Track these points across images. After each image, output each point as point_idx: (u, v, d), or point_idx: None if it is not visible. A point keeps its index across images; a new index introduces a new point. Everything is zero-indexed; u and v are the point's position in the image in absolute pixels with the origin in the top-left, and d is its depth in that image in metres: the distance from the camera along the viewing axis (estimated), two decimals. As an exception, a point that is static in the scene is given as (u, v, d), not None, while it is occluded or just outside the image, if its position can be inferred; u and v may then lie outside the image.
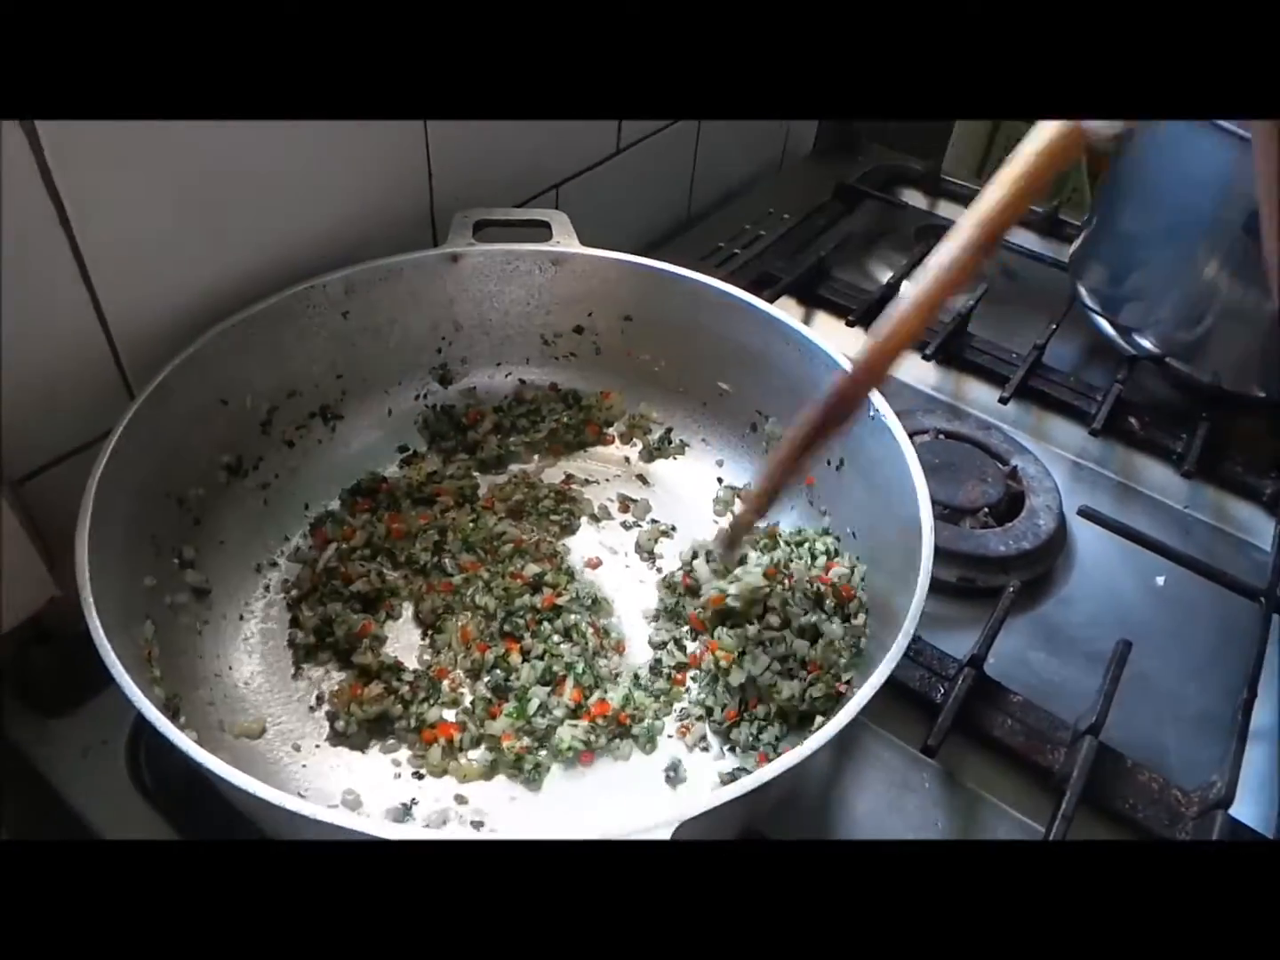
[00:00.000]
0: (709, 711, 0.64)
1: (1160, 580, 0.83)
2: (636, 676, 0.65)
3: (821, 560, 0.69)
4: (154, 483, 0.61)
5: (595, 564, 0.73)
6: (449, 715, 0.62)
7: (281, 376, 0.71)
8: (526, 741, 0.60)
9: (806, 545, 0.70)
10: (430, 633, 0.67)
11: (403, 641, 0.67)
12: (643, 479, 0.81)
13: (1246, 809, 0.65)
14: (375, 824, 0.42)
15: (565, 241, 0.77)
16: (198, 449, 0.65)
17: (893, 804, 0.65)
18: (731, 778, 0.61)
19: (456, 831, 0.39)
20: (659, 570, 0.73)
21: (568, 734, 0.60)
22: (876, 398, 0.65)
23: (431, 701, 0.62)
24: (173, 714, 0.54)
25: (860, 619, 0.65)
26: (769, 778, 0.43)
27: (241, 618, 0.66)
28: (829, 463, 0.71)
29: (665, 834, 0.40)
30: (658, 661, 0.67)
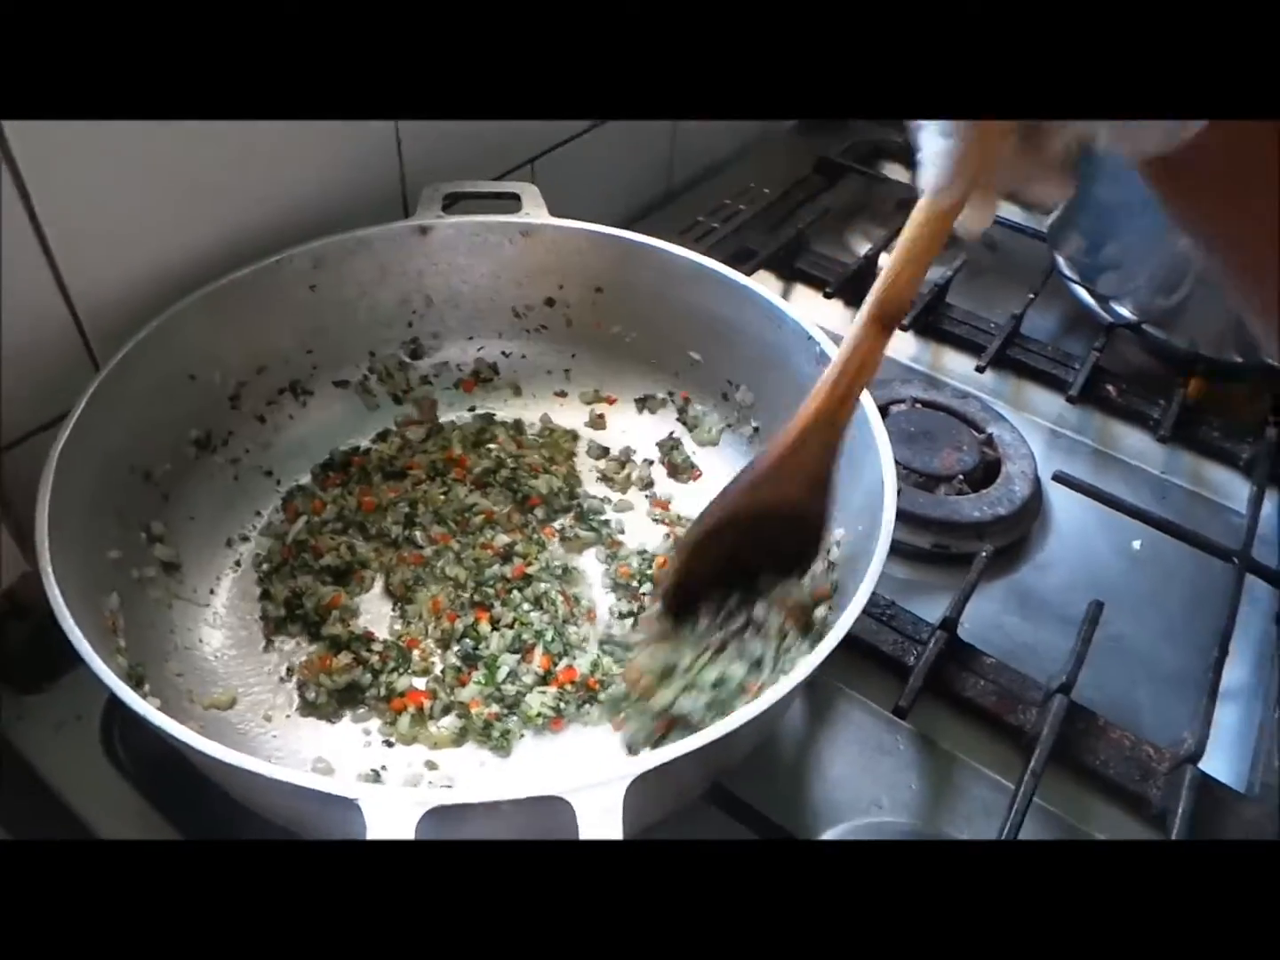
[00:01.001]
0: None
1: (1136, 545, 0.83)
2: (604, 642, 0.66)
3: None
4: (119, 457, 0.61)
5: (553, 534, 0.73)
6: (420, 684, 0.63)
7: (250, 351, 0.71)
8: (496, 709, 0.60)
9: None
10: (400, 604, 0.67)
11: (373, 613, 0.67)
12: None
13: (1218, 765, 0.65)
14: (342, 783, 0.42)
15: (535, 213, 0.77)
16: (165, 424, 0.65)
17: (866, 766, 0.66)
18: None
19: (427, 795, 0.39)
20: (621, 534, 0.74)
21: (537, 701, 0.60)
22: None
23: (401, 671, 0.62)
24: (136, 683, 0.54)
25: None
26: (722, 733, 0.43)
27: (212, 591, 0.66)
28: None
29: (620, 788, 0.40)
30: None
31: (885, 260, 0.49)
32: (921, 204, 0.46)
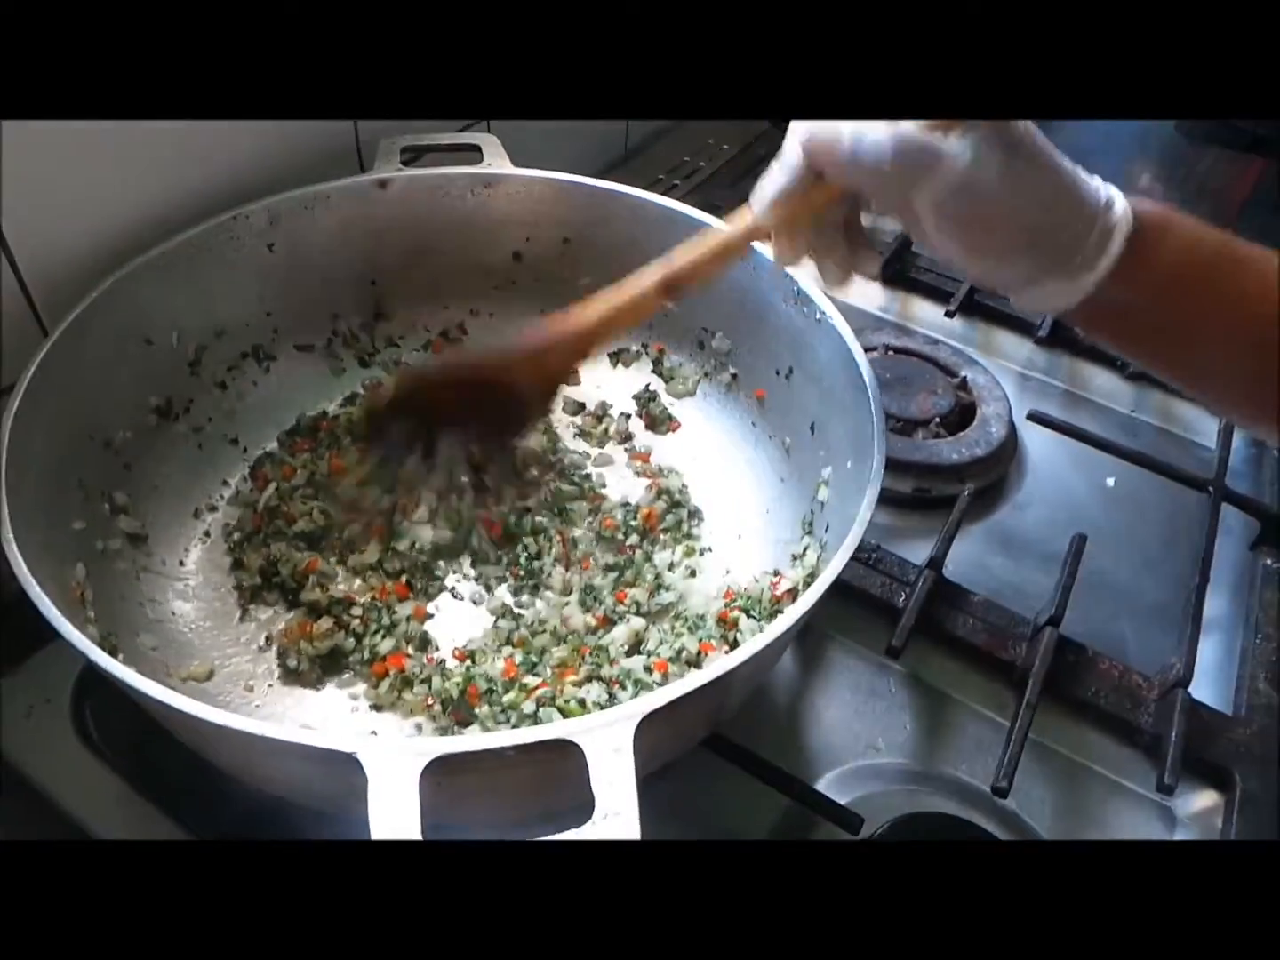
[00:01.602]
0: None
1: (1111, 481, 0.84)
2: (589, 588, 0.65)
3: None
4: (76, 425, 0.59)
5: None
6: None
7: (207, 314, 0.68)
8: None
9: None
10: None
11: (352, 581, 0.65)
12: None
13: (1204, 690, 0.66)
14: (338, 738, 0.40)
15: (498, 164, 0.74)
16: (122, 390, 0.63)
17: (861, 710, 0.65)
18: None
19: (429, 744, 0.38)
20: (603, 488, 0.73)
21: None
22: (822, 299, 0.65)
23: (384, 634, 0.60)
24: (109, 653, 0.51)
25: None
26: (728, 668, 0.42)
27: (181, 563, 0.64)
28: (777, 372, 0.70)
29: (629, 728, 0.39)
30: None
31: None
32: (735, 214, 0.50)
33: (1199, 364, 0.47)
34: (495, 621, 0.63)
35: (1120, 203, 0.43)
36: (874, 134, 0.42)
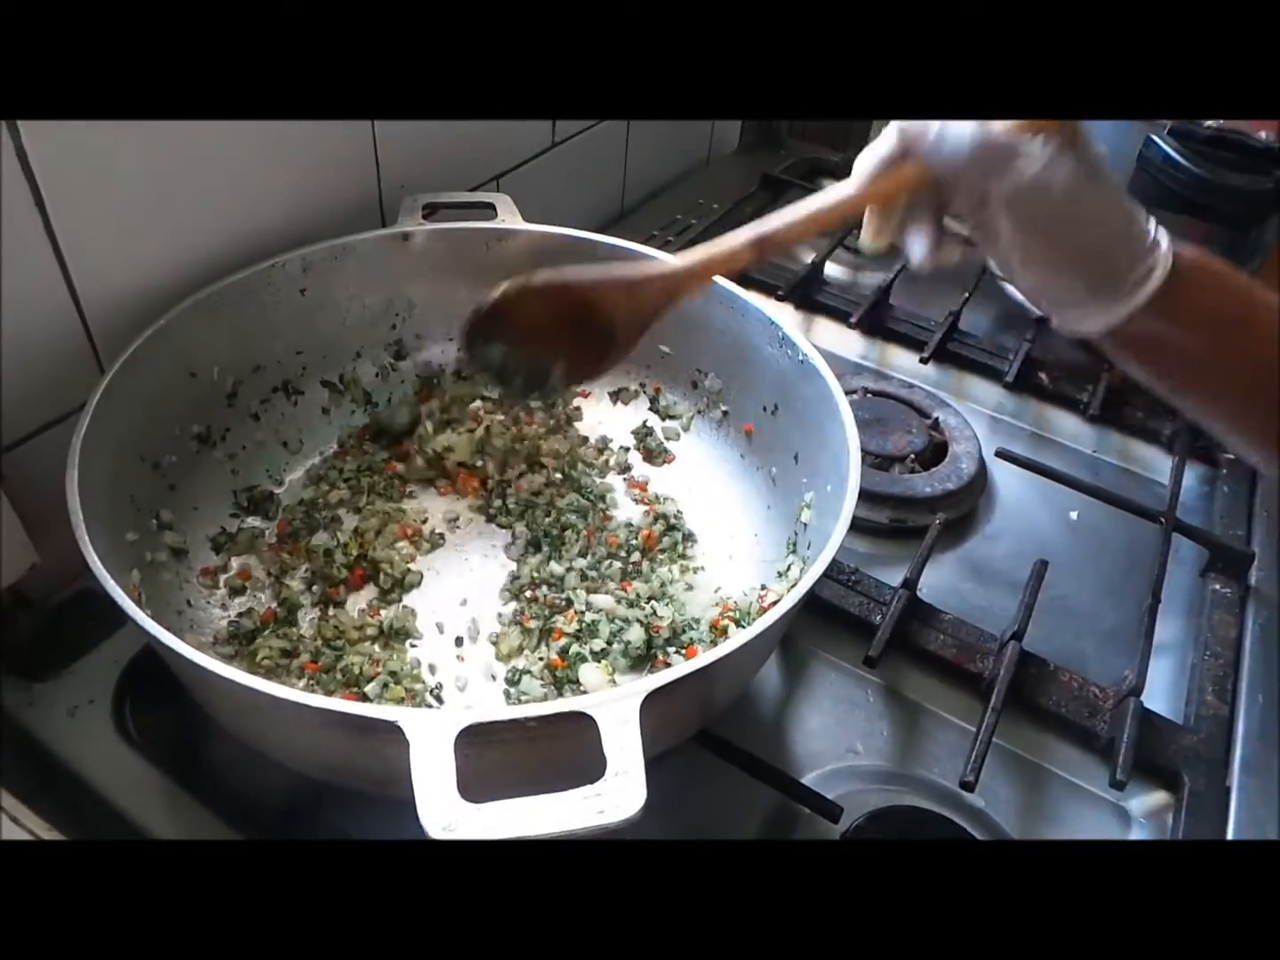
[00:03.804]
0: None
1: (1073, 514, 0.90)
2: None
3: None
4: (129, 447, 0.64)
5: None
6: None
7: (246, 351, 0.74)
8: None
9: None
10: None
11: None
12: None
13: (1157, 702, 0.72)
14: (381, 708, 0.45)
15: (510, 220, 0.82)
16: (170, 418, 0.69)
17: (841, 718, 0.71)
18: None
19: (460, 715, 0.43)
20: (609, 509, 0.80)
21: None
22: (806, 346, 0.71)
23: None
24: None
25: None
26: (723, 654, 0.48)
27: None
28: (764, 409, 0.77)
29: (636, 701, 0.45)
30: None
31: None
32: (831, 187, 0.53)
33: (1217, 393, 0.52)
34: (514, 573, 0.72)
35: (1165, 238, 0.49)
36: (959, 127, 0.47)
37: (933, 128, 0.48)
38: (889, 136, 0.50)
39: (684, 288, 0.57)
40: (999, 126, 0.47)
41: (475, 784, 0.42)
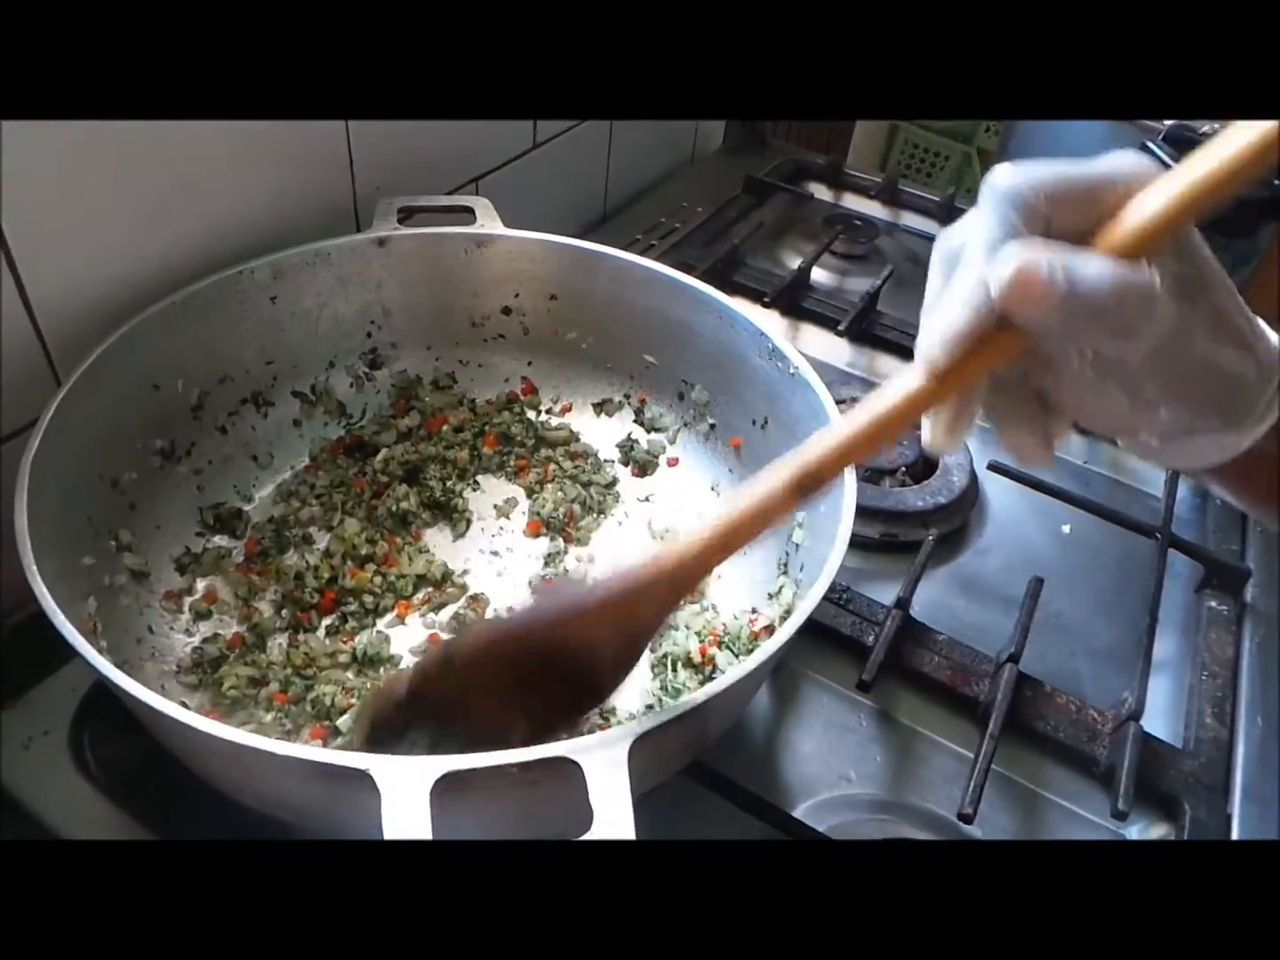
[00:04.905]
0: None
1: (1066, 528, 0.88)
2: None
3: None
4: (86, 465, 0.61)
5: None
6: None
7: (212, 362, 0.71)
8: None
9: None
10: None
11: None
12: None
13: (1155, 725, 0.70)
14: (340, 754, 0.42)
15: (490, 225, 0.79)
16: (130, 433, 0.65)
17: (833, 744, 0.68)
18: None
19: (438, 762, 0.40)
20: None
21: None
22: (797, 358, 0.69)
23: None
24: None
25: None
26: (710, 694, 0.46)
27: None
28: (753, 422, 0.74)
29: (625, 746, 0.42)
30: None
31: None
32: (893, 381, 0.40)
33: None
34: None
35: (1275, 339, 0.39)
36: (1089, 267, 0.33)
37: (1054, 269, 0.33)
38: (976, 292, 0.35)
39: (696, 578, 0.44)
40: (1123, 263, 0.33)
41: (456, 826, 0.39)
